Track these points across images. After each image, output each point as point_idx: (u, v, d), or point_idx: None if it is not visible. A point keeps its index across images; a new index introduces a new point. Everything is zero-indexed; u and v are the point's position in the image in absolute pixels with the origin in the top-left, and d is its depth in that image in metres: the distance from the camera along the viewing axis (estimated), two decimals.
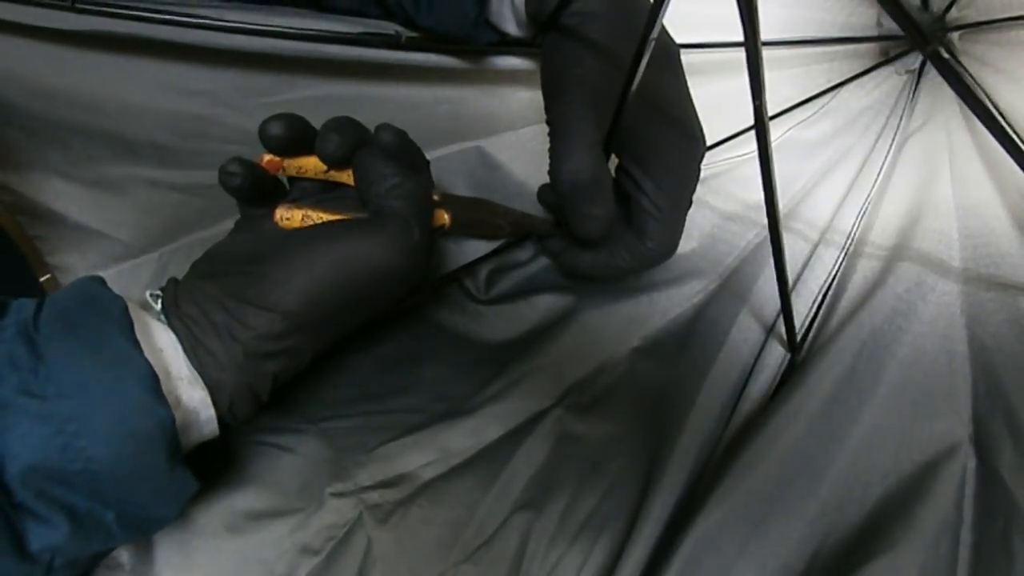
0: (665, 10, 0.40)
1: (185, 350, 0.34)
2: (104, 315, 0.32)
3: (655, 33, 0.40)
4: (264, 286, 0.36)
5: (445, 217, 0.46)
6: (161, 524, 0.34)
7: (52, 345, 0.31)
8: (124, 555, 0.39)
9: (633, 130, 0.46)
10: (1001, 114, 0.74)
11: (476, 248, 0.54)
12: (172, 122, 0.47)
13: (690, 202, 0.49)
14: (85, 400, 0.30)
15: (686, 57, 0.49)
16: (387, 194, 0.39)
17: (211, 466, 0.41)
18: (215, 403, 0.34)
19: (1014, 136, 0.70)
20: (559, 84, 0.47)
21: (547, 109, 0.49)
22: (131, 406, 0.31)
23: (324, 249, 0.37)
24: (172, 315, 0.35)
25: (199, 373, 0.34)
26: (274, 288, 0.36)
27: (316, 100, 0.51)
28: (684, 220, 0.48)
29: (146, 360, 0.32)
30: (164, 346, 0.34)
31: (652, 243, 0.47)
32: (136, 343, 0.32)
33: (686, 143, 0.47)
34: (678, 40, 0.49)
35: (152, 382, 0.31)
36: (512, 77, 0.57)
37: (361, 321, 0.40)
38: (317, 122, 0.51)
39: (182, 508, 0.34)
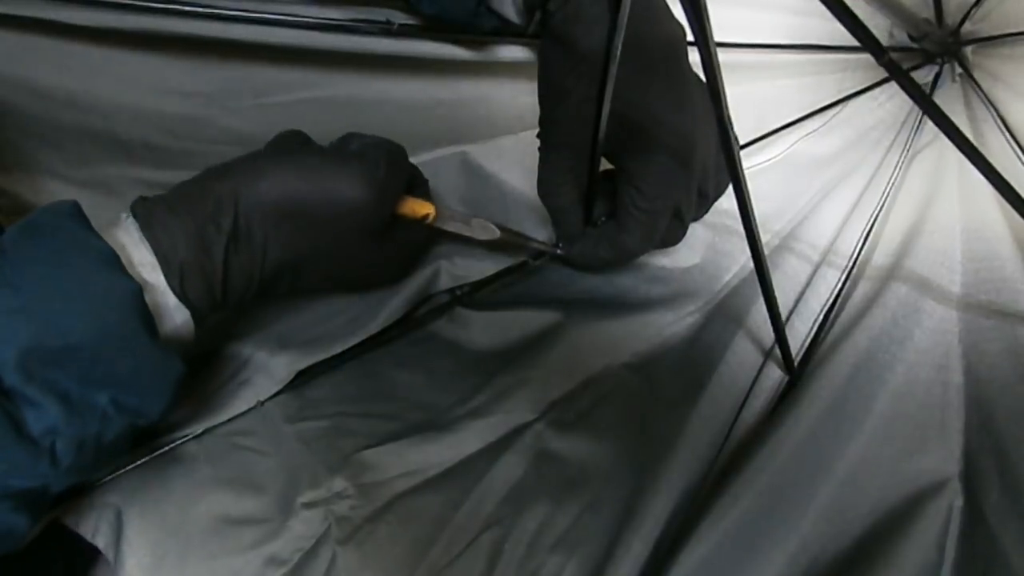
0: (624, 19, 0.40)
1: (140, 226, 0.34)
2: (60, 215, 0.33)
3: (618, 45, 0.41)
4: (224, 174, 0.38)
5: (430, 207, 0.46)
6: (157, 409, 0.33)
7: (15, 244, 0.31)
8: (110, 554, 0.37)
9: (619, 138, 0.46)
10: (1009, 130, 0.70)
11: (481, 268, 0.53)
12: (166, 123, 0.45)
13: (673, 205, 0.48)
14: (52, 282, 0.30)
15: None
16: (360, 144, 0.42)
17: (190, 466, 0.40)
18: (166, 276, 0.34)
19: (1017, 148, 0.66)
20: (547, 95, 0.47)
21: (540, 120, 0.47)
22: (96, 280, 0.31)
23: (292, 159, 0.39)
24: (136, 205, 0.36)
25: (150, 244, 0.34)
26: (231, 175, 0.37)
27: (311, 102, 0.49)
28: (663, 220, 0.49)
29: (104, 241, 0.32)
30: (125, 243, 0.34)
31: (630, 237, 0.48)
32: (92, 230, 0.32)
33: (669, 152, 0.46)
34: None
35: (112, 258, 0.32)
36: (512, 70, 0.54)
37: (319, 256, 0.40)
38: (313, 125, 0.49)
39: (173, 395, 0.34)
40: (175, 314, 0.35)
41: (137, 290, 0.32)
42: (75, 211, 0.33)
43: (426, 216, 0.46)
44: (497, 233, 0.48)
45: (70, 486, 0.34)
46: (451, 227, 0.47)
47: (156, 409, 0.33)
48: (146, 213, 0.35)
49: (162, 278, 0.34)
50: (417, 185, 0.47)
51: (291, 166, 0.38)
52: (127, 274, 0.32)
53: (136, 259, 0.34)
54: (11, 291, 0.30)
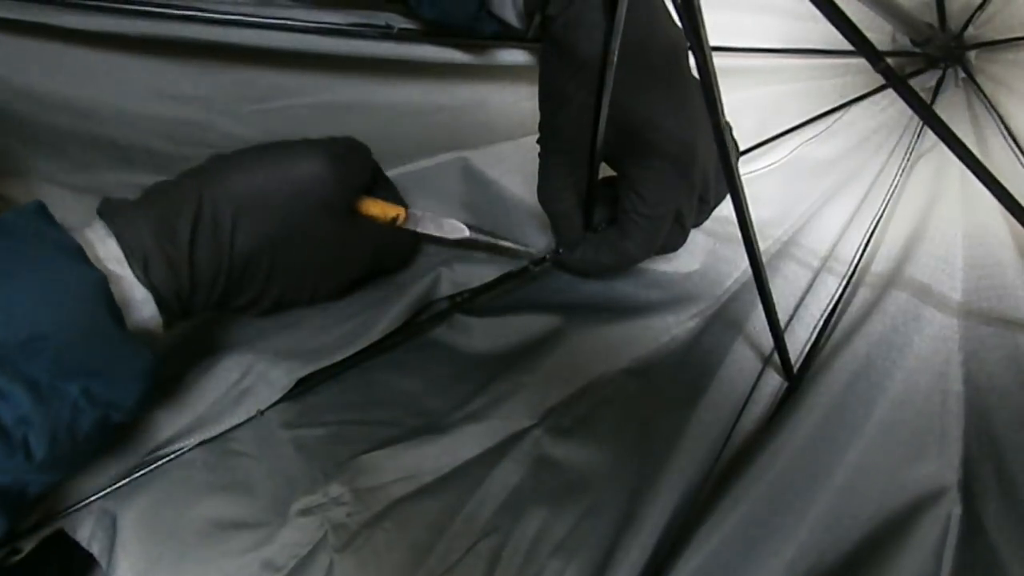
0: (620, 24, 0.40)
1: (105, 220, 0.35)
2: (26, 214, 0.33)
3: (614, 50, 0.42)
4: (190, 170, 0.39)
5: (399, 209, 0.47)
6: (129, 400, 0.34)
7: None
8: (103, 560, 0.38)
9: (620, 144, 0.47)
10: (1012, 136, 0.69)
11: (481, 274, 0.53)
12: (166, 128, 0.45)
13: (675, 210, 0.48)
14: (17, 275, 0.31)
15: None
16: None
17: (185, 471, 0.40)
18: (130, 265, 0.34)
19: (1020, 155, 0.66)
20: (547, 101, 0.46)
21: (540, 125, 0.47)
22: (60, 271, 0.31)
23: (254, 149, 0.40)
24: (103, 204, 0.36)
25: (114, 235, 0.35)
26: (196, 170, 0.39)
27: (311, 107, 0.49)
28: (665, 227, 0.49)
29: (68, 234, 0.33)
30: (92, 239, 0.35)
31: (632, 243, 0.49)
32: (57, 225, 0.33)
33: (670, 158, 0.46)
34: None
35: (76, 250, 0.32)
36: (513, 75, 0.54)
37: (289, 240, 0.40)
38: (313, 130, 0.49)
39: (146, 387, 0.34)
40: (142, 307, 0.35)
41: (101, 278, 0.32)
42: (40, 209, 0.33)
43: (396, 218, 0.47)
44: (466, 232, 0.49)
45: (51, 490, 0.34)
46: (422, 228, 0.48)
47: (129, 400, 0.34)
48: (111, 209, 0.36)
49: (128, 271, 0.34)
50: (383, 186, 0.48)
51: (253, 153, 0.40)
52: (91, 264, 0.33)
53: (102, 254, 0.34)
54: None
